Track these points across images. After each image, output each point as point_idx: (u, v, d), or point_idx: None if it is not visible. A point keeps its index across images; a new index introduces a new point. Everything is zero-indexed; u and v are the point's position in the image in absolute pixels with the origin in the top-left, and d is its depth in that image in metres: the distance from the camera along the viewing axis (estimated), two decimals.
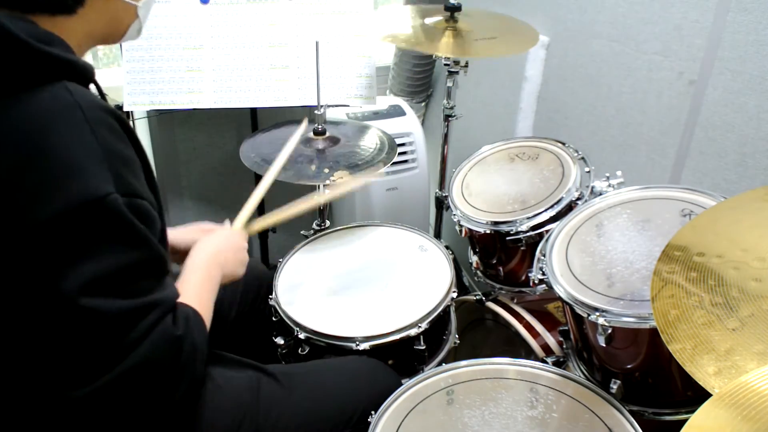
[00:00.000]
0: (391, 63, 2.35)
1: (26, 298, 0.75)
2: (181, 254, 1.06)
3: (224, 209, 2.09)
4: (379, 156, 1.51)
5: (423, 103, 2.44)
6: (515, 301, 1.48)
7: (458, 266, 2.01)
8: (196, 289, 0.95)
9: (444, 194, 1.76)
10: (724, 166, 1.33)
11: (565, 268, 1.12)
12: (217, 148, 2.27)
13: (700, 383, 0.67)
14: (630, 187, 1.24)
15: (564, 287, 1.08)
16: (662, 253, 0.86)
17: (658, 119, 1.47)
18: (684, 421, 0.57)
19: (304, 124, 1.47)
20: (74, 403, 0.76)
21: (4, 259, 0.74)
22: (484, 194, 1.47)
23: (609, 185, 1.30)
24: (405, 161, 2.06)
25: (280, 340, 1.28)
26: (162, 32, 1.68)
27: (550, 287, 1.10)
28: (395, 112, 2.09)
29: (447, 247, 1.46)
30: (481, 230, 1.40)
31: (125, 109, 1.68)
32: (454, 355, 1.44)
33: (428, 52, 1.57)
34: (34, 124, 0.75)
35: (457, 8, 1.59)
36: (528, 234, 1.34)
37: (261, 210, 1.45)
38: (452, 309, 1.40)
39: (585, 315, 1.03)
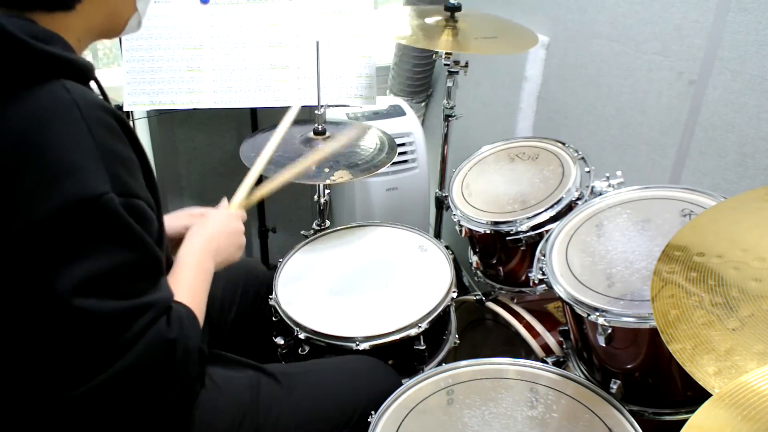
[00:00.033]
0: (391, 63, 2.35)
1: (20, 296, 0.74)
2: (173, 242, 1.04)
3: None
4: (379, 156, 1.51)
5: (423, 103, 2.44)
6: (515, 301, 1.48)
7: (458, 266, 2.01)
8: (189, 284, 0.94)
9: (444, 194, 1.76)
10: (724, 166, 1.33)
11: (565, 268, 1.12)
12: (217, 148, 2.27)
13: (700, 383, 0.67)
14: (630, 187, 1.24)
15: (564, 287, 1.08)
16: (662, 253, 0.86)
17: (658, 119, 1.47)
18: (684, 421, 0.57)
19: (296, 107, 1.40)
20: (69, 403, 0.76)
21: None
22: (484, 194, 1.47)
23: (609, 185, 1.30)
24: (405, 161, 2.06)
25: (280, 340, 1.28)
26: (162, 32, 1.68)
27: (550, 287, 1.10)
28: (395, 112, 2.09)
29: (447, 247, 1.46)
30: (481, 230, 1.40)
31: (125, 109, 1.68)
32: (454, 355, 1.44)
33: (428, 48, 1.56)
34: (31, 122, 0.74)
35: (457, 8, 1.59)
36: (528, 234, 1.34)
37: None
38: (452, 309, 1.40)
39: (585, 315, 1.03)
